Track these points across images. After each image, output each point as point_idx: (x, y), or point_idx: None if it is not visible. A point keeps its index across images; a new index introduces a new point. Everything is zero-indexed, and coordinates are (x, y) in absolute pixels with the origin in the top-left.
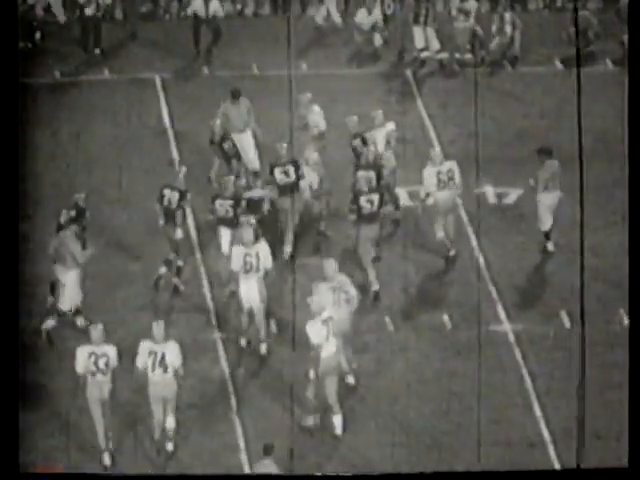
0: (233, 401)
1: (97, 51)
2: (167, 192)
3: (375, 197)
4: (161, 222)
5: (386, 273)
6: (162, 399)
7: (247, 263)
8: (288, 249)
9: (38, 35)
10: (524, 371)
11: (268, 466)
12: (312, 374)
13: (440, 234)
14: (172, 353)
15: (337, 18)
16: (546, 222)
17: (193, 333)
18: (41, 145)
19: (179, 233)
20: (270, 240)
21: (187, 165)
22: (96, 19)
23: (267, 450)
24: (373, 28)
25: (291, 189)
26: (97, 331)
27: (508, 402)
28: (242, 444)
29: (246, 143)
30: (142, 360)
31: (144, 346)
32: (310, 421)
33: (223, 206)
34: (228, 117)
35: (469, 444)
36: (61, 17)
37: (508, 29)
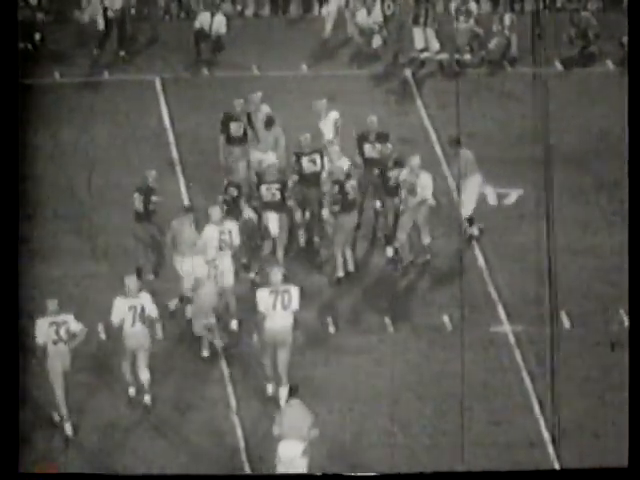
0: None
1: (122, 53)
2: (231, 189)
3: (354, 183)
4: (218, 216)
5: (385, 273)
6: (136, 350)
7: (222, 241)
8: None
9: (38, 36)
10: (524, 372)
11: (294, 406)
12: (255, 338)
13: (427, 240)
14: (148, 303)
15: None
16: (468, 207)
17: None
18: (41, 146)
19: (247, 213)
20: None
21: (187, 166)
22: (119, 20)
23: (293, 391)
24: (373, 29)
25: (316, 178)
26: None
27: (508, 403)
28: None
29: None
30: (118, 316)
31: (119, 302)
32: (269, 390)
33: (270, 190)
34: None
35: (469, 444)
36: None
37: (506, 30)
